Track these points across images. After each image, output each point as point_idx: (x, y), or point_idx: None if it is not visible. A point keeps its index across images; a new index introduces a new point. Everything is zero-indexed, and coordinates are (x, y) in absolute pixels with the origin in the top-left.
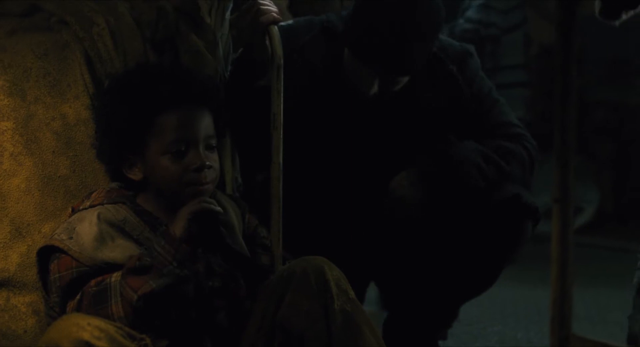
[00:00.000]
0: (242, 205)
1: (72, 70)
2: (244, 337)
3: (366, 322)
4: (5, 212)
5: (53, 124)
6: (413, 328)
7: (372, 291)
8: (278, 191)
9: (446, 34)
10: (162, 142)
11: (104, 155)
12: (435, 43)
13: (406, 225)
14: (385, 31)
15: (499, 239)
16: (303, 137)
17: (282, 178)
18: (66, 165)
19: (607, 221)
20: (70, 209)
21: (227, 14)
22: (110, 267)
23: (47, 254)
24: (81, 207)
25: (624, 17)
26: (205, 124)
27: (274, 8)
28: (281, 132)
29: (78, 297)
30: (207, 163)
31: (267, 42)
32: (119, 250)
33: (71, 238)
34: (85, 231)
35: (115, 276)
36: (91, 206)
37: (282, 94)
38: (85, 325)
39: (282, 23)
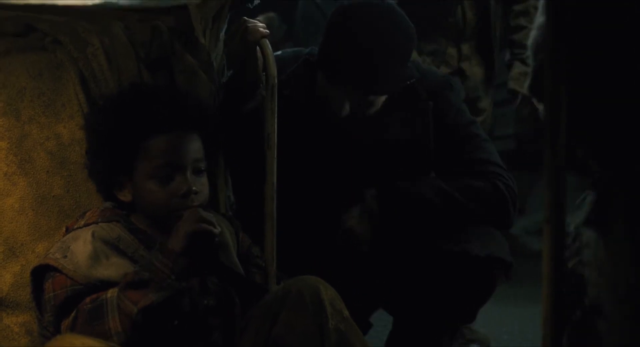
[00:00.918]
0: (236, 224)
1: (67, 90)
2: None
3: (360, 342)
4: None
5: (47, 144)
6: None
7: None
8: (272, 210)
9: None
10: (148, 166)
11: (95, 176)
12: (407, 68)
13: (356, 257)
14: (351, 52)
15: (449, 290)
16: (287, 164)
17: (275, 197)
18: (60, 185)
19: None
20: (64, 229)
21: (221, 35)
22: (105, 285)
23: (41, 273)
24: (75, 227)
25: None
26: (194, 148)
27: (262, 24)
28: (275, 152)
29: (73, 315)
30: (194, 188)
31: (260, 61)
32: (114, 268)
33: (65, 257)
34: (79, 249)
35: (112, 292)
36: (85, 225)
37: (276, 114)
38: (80, 345)
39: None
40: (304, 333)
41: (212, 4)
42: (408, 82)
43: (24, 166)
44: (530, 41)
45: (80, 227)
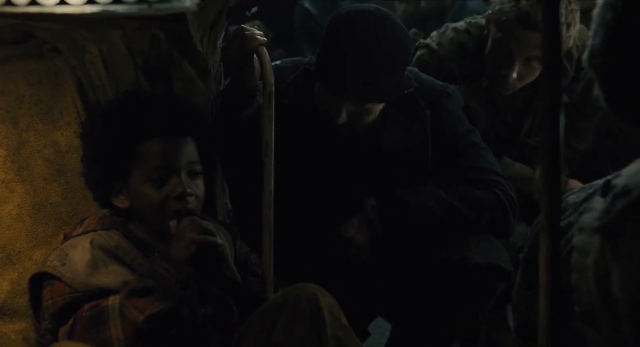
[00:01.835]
0: (233, 231)
1: (65, 97)
2: None
3: None
4: None
5: (45, 151)
6: None
7: None
8: (269, 217)
9: None
10: (143, 170)
11: (92, 183)
12: (403, 76)
13: (355, 266)
14: (346, 60)
15: (448, 297)
16: (287, 172)
17: (273, 205)
18: (58, 192)
19: None
20: (62, 236)
21: (219, 42)
22: (104, 292)
23: (39, 281)
24: (74, 234)
25: None
26: (188, 151)
27: (259, 32)
28: (272, 160)
29: (71, 322)
30: (189, 190)
31: (258, 67)
32: (112, 276)
33: (64, 264)
34: (78, 257)
35: (113, 299)
36: (84, 233)
37: (273, 122)
38: None
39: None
40: (303, 340)
41: (209, 12)
42: (406, 91)
43: (22, 173)
44: (594, 15)
45: (78, 235)
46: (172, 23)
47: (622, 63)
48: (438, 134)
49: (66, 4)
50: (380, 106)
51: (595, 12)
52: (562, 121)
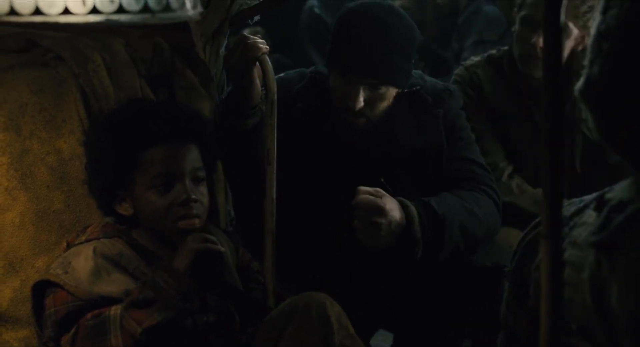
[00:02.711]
0: (236, 239)
1: (68, 105)
2: None
3: None
4: None
5: (48, 159)
6: None
7: None
8: (271, 225)
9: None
10: (147, 177)
11: (95, 191)
12: (411, 63)
13: (365, 252)
14: (355, 39)
15: (457, 300)
16: (298, 175)
17: (275, 212)
18: (60, 200)
19: None
20: (65, 244)
21: (222, 50)
22: (106, 301)
23: (41, 288)
24: (76, 242)
25: None
26: (191, 157)
27: (261, 41)
28: (275, 167)
29: (73, 330)
30: (193, 196)
31: (259, 76)
32: (115, 284)
33: (67, 272)
34: (81, 265)
35: (114, 309)
36: (87, 240)
37: (275, 129)
38: None
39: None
40: None
41: (212, 20)
42: (414, 89)
43: (25, 181)
44: (589, 45)
45: (81, 243)
46: (175, 31)
47: (621, 94)
48: (445, 129)
49: (70, 13)
50: (393, 93)
51: (590, 42)
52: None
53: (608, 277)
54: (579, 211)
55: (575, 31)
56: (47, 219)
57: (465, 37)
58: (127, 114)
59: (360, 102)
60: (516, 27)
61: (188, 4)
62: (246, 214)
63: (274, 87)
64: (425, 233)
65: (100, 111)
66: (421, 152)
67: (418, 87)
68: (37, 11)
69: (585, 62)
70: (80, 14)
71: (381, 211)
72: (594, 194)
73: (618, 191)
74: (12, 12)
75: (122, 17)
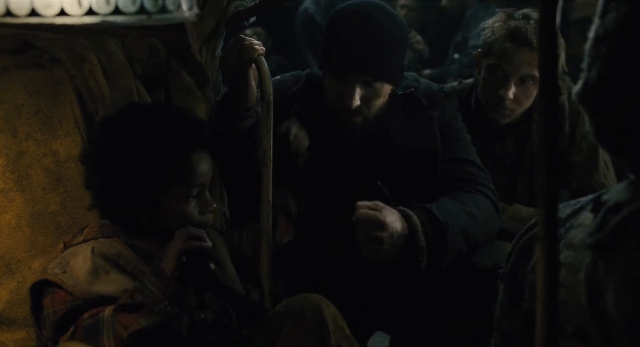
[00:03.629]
0: (231, 237)
1: (64, 107)
2: None
3: None
4: None
5: (44, 161)
6: None
7: None
8: (267, 227)
9: (457, 64)
10: (183, 188)
11: (116, 202)
12: (403, 60)
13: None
14: (351, 36)
15: (459, 302)
16: (295, 178)
17: (271, 214)
18: (57, 202)
19: None
20: (61, 245)
21: (218, 52)
22: (105, 300)
23: (40, 288)
24: (74, 242)
25: None
26: (210, 166)
27: (257, 42)
28: (271, 169)
29: (71, 330)
30: (215, 204)
31: (254, 79)
32: (114, 284)
33: (65, 272)
34: (79, 265)
35: (108, 310)
36: (85, 241)
37: (271, 131)
38: None
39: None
40: None
41: (208, 22)
42: (409, 91)
43: (21, 183)
44: (586, 49)
45: (79, 243)
46: (171, 33)
47: (619, 97)
48: (440, 131)
49: (66, 14)
50: (388, 90)
51: (588, 46)
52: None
53: (604, 279)
54: (575, 213)
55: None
56: (43, 220)
57: (471, 28)
58: (158, 125)
59: (357, 100)
60: (482, 73)
61: (184, 5)
62: (242, 215)
63: (269, 88)
64: (429, 241)
65: (97, 112)
66: (417, 154)
67: (412, 89)
68: (33, 12)
69: (583, 66)
70: (76, 15)
71: (382, 225)
72: (590, 196)
73: (615, 192)
74: (8, 13)
75: (118, 19)
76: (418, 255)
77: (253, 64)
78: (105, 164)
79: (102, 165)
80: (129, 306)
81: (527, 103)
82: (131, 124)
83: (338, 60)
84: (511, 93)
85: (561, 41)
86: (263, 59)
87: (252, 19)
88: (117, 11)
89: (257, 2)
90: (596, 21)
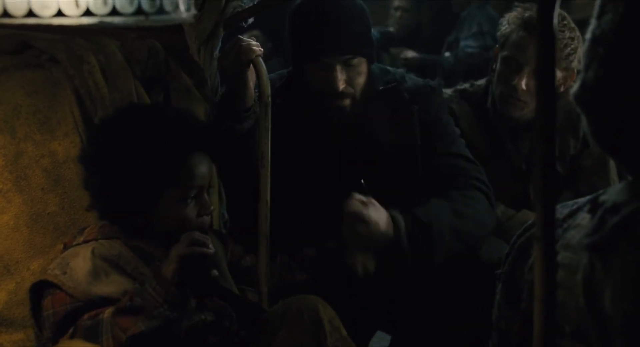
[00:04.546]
0: (227, 240)
1: (62, 107)
2: None
3: None
4: None
5: (42, 161)
6: None
7: None
8: (265, 228)
9: (452, 59)
10: (181, 190)
11: (118, 206)
12: (370, 32)
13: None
14: (312, 21)
15: (463, 296)
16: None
17: (269, 215)
18: (55, 203)
19: None
20: (61, 246)
21: (216, 53)
22: (105, 301)
23: (40, 289)
24: (74, 243)
25: None
26: (209, 168)
27: (255, 43)
28: (269, 171)
29: (71, 331)
30: (212, 207)
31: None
32: (114, 285)
33: (65, 273)
34: (79, 265)
35: (108, 312)
36: (85, 242)
37: (269, 132)
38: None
39: None
40: None
41: (206, 23)
42: (390, 85)
43: (19, 183)
44: (584, 50)
45: (79, 244)
46: (170, 34)
47: (616, 98)
48: (423, 122)
49: (63, 15)
50: (366, 66)
51: (585, 47)
52: None
53: (602, 279)
54: (572, 213)
55: (557, 73)
56: (42, 221)
57: (465, 28)
58: (157, 127)
59: (341, 82)
60: (497, 66)
61: (182, 7)
62: (240, 216)
63: (267, 89)
64: (413, 243)
65: (95, 113)
66: (395, 149)
67: (395, 83)
68: (30, 13)
69: (581, 67)
70: (73, 16)
71: (365, 221)
72: (588, 197)
73: (612, 193)
74: (5, 13)
75: (116, 19)
76: (403, 255)
77: (251, 65)
78: (104, 164)
79: (101, 166)
80: (128, 309)
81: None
82: (129, 126)
83: (311, 47)
84: (524, 83)
85: (578, 35)
86: (261, 60)
87: (251, 20)
88: (114, 12)
89: (255, 3)
90: (593, 22)
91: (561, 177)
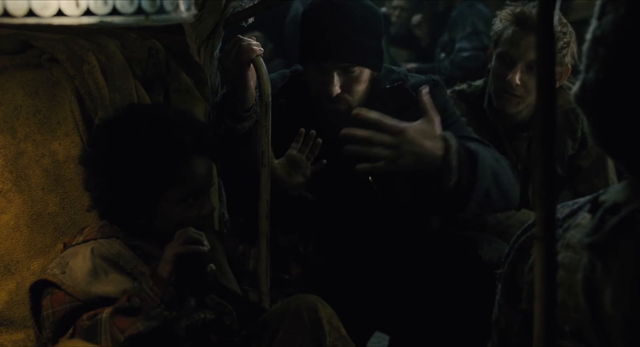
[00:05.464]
0: (228, 241)
1: (63, 107)
2: None
3: None
4: None
5: (43, 161)
6: None
7: None
8: (265, 228)
9: (449, 64)
10: (181, 192)
11: (109, 206)
12: (380, 44)
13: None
14: (323, 25)
15: (464, 296)
16: None
17: (269, 215)
18: (55, 202)
19: None
20: (61, 245)
21: (216, 53)
22: (104, 301)
23: (39, 289)
24: (74, 243)
25: None
26: (210, 170)
27: (256, 43)
28: (269, 170)
29: (70, 331)
30: (213, 207)
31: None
32: (113, 284)
33: (64, 273)
34: (78, 265)
35: (106, 312)
36: (84, 241)
37: (270, 132)
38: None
39: None
40: None
41: (206, 23)
42: (396, 84)
43: (19, 183)
44: (584, 50)
45: (78, 244)
46: (170, 34)
47: (616, 98)
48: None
49: (63, 15)
50: (368, 74)
51: (585, 47)
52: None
53: (602, 279)
54: (573, 213)
55: None
56: (42, 221)
57: (458, 28)
58: (157, 128)
59: (337, 87)
60: (492, 64)
61: (182, 6)
62: (241, 216)
63: (268, 89)
64: (461, 166)
65: (96, 113)
66: None
67: (400, 82)
68: (31, 13)
69: (581, 67)
70: (73, 15)
71: (428, 135)
72: (588, 197)
73: (612, 193)
74: (5, 13)
75: (116, 19)
76: (448, 173)
77: (252, 65)
78: (104, 165)
79: (101, 167)
80: (126, 310)
81: (534, 93)
82: (130, 127)
83: (313, 50)
84: (518, 78)
85: (571, 30)
86: (261, 59)
87: (251, 20)
88: (114, 12)
89: (256, 2)
90: (594, 23)
91: (560, 178)
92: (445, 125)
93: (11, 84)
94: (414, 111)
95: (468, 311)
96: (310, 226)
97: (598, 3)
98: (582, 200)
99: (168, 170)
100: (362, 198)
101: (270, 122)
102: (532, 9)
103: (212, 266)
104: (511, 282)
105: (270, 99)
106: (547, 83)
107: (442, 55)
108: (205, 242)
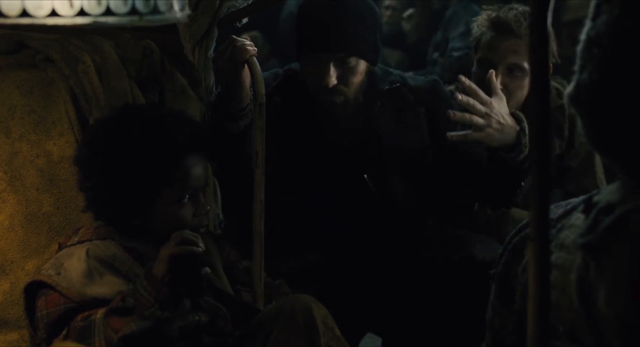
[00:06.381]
0: (223, 242)
1: (57, 107)
2: None
3: None
4: None
5: (37, 161)
6: None
7: None
8: (260, 227)
9: (439, 68)
10: (177, 192)
11: (115, 207)
12: (375, 36)
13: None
14: (318, 16)
15: (457, 296)
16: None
17: (264, 215)
18: (50, 203)
19: None
20: (56, 246)
21: (210, 53)
22: (99, 302)
23: (34, 290)
24: (69, 243)
25: None
26: (204, 169)
27: (250, 43)
28: (263, 170)
29: (64, 332)
30: (208, 207)
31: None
32: (108, 286)
33: (59, 274)
34: (73, 266)
35: (100, 313)
36: (79, 242)
37: (264, 132)
38: None
39: None
40: None
41: (200, 23)
42: (395, 86)
43: (14, 183)
44: (579, 51)
45: (74, 244)
46: (164, 34)
47: (611, 99)
48: (434, 119)
49: (57, 15)
50: (364, 67)
51: (579, 48)
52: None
53: (596, 279)
54: (566, 214)
55: None
56: (37, 221)
57: (452, 28)
58: (152, 128)
59: (332, 78)
60: (474, 69)
61: (176, 6)
62: (235, 216)
63: (262, 89)
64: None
65: (91, 113)
66: (402, 148)
67: (398, 84)
68: (24, 13)
69: (575, 68)
70: (67, 15)
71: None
72: (582, 197)
73: (606, 193)
74: None
75: (110, 19)
76: (520, 147)
77: (246, 65)
78: (99, 166)
79: (96, 167)
80: (120, 310)
81: (520, 94)
82: (124, 127)
83: (309, 42)
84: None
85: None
86: (255, 59)
87: (245, 20)
88: (108, 12)
89: (250, 2)
90: (588, 23)
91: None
92: (451, 125)
93: (6, 83)
94: (413, 113)
95: (462, 311)
96: (305, 226)
97: (592, 4)
98: (575, 200)
99: (163, 170)
100: (358, 195)
101: (264, 123)
102: (507, 13)
103: (207, 269)
104: (505, 282)
105: (264, 99)
106: (541, 83)
107: (435, 55)
108: (201, 244)
